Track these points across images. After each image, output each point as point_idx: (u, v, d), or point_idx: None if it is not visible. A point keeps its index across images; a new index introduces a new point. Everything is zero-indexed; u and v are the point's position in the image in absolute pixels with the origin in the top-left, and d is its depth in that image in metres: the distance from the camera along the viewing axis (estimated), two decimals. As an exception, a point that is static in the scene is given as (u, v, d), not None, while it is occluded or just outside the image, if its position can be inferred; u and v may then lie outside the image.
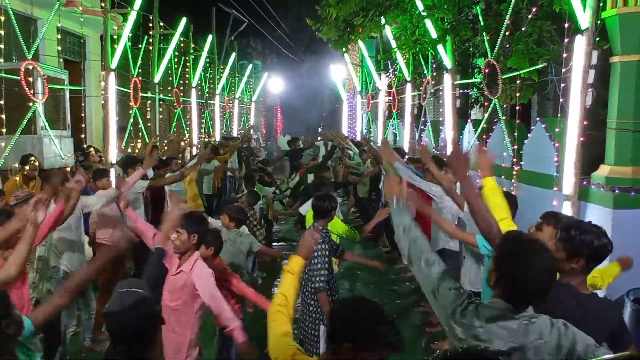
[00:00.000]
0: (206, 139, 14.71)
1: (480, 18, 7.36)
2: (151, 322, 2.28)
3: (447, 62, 8.21)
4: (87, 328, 5.25)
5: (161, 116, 12.44)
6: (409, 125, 11.01)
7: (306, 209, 6.27)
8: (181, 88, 13.27)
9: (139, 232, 4.04)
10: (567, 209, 4.88)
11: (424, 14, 7.96)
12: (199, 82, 14.58)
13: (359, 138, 16.31)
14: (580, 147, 4.89)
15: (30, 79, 7.00)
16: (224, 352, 4.26)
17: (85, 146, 9.25)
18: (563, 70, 5.23)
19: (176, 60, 13.02)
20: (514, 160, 6.37)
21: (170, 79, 12.83)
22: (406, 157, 9.66)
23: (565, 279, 2.54)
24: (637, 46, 4.56)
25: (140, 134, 10.77)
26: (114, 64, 7.79)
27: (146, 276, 3.03)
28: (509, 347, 2.00)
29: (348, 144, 11.24)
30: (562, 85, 5.22)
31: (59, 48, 9.14)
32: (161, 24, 10.93)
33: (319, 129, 27.65)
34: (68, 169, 7.49)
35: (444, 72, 8.48)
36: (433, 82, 9.69)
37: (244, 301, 4.74)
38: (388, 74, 13.39)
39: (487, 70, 7.08)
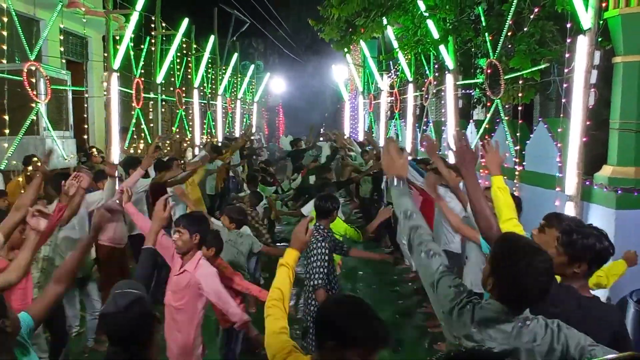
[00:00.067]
0: (207, 139, 14.70)
1: (483, 18, 7.35)
2: (146, 322, 2.27)
3: (449, 62, 8.20)
4: (91, 329, 5.26)
5: (164, 117, 12.45)
6: (411, 125, 11.01)
7: (308, 209, 6.27)
8: (183, 89, 13.29)
9: (140, 228, 4.06)
10: (569, 210, 4.88)
11: (426, 14, 7.96)
12: (201, 82, 14.59)
13: (361, 138, 16.30)
14: (583, 148, 4.88)
15: (33, 80, 7.01)
16: (228, 350, 4.28)
17: (87, 147, 9.27)
18: (565, 70, 5.22)
19: (178, 60, 13.03)
20: (517, 160, 6.36)
21: (173, 79, 12.85)
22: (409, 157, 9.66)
23: (566, 283, 2.52)
24: (640, 46, 4.55)
25: (143, 134, 10.79)
26: (116, 64, 7.80)
27: (136, 276, 3.04)
28: (502, 349, 1.98)
29: (351, 144, 11.24)
30: (565, 85, 5.22)
31: (62, 49, 9.16)
32: (163, 24, 10.95)
33: (321, 130, 27.66)
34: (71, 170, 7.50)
35: (446, 72, 8.47)
36: (435, 83, 9.68)
37: (247, 301, 4.76)
38: (390, 74, 13.39)
39: (489, 71, 7.08)
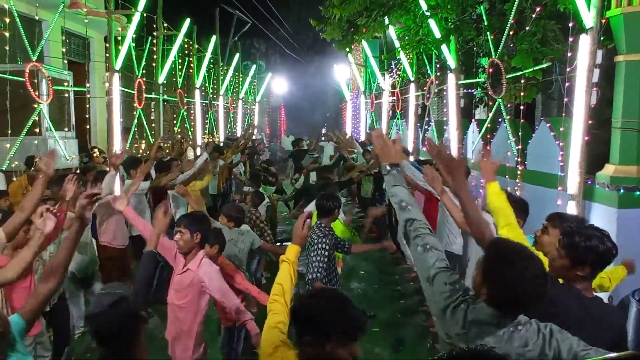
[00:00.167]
0: (208, 139, 14.72)
1: (484, 18, 7.34)
2: (131, 322, 2.27)
3: (451, 61, 8.19)
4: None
5: (165, 117, 12.47)
6: (412, 125, 11.00)
7: (311, 209, 6.28)
8: (185, 89, 13.30)
9: (139, 232, 4.06)
10: (571, 209, 4.87)
11: (428, 13, 7.95)
12: (203, 82, 14.61)
13: (363, 138, 16.30)
14: (585, 147, 4.87)
15: (35, 81, 7.03)
16: (230, 349, 4.29)
17: (89, 147, 9.29)
18: (567, 69, 5.21)
19: (180, 61, 13.05)
20: (519, 159, 6.35)
21: (174, 79, 12.86)
22: (411, 157, 9.66)
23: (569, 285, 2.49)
24: (642, 45, 4.54)
25: (145, 134, 10.80)
26: (118, 65, 7.81)
27: (137, 278, 3.05)
28: None
29: (352, 144, 11.22)
30: (567, 84, 5.21)
31: (64, 50, 9.19)
32: (165, 25, 10.95)
33: (323, 129, 27.64)
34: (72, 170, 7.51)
35: (448, 71, 8.46)
36: (437, 82, 9.67)
37: (249, 301, 4.76)
38: (392, 74, 13.38)
39: (491, 70, 7.06)
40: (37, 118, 7.25)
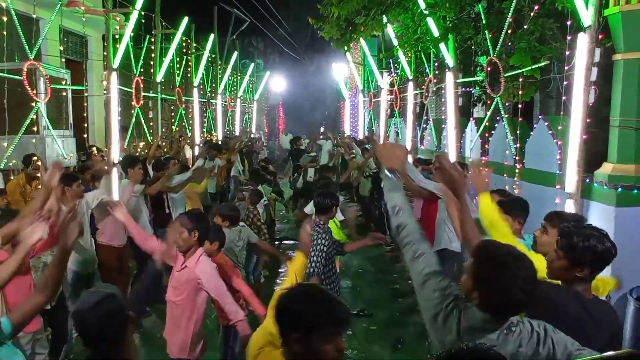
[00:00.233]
0: (205, 137, 14.71)
1: (482, 16, 7.34)
2: (116, 320, 2.25)
3: (449, 60, 8.19)
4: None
5: (163, 116, 12.45)
6: (411, 123, 11.01)
7: (310, 208, 6.29)
8: (183, 87, 13.28)
9: (137, 243, 4.09)
10: (570, 207, 4.87)
11: (426, 12, 7.95)
12: (201, 81, 14.58)
13: (361, 137, 16.30)
14: (583, 145, 4.87)
15: (33, 79, 7.01)
16: (227, 348, 4.29)
17: (87, 146, 9.27)
18: (565, 68, 5.22)
19: (178, 59, 13.02)
20: (517, 158, 6.36)
21: (172, 78, 12.84)
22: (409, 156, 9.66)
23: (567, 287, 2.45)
24: (640, 43, 4.54)
25: (143, 133, 10.79)
26: (116, 63, 7.78)
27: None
28: None
29: (351, 147, 11.20)
30: (565, 83, 5.21)
31: (61, 48, 9.16)
32: (163, 23, 10.94)
33: (321, 128, 27.63)
34: (70, 169, 7.50)
35: (446, 70, 8.46)
36: (435, 81, 9.67)
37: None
38: (390, 72, 13.38)
39: (489, 69, 7.07)
40: (34, 117, 7.23)
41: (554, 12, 6.35)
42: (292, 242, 10.03)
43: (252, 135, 19.12)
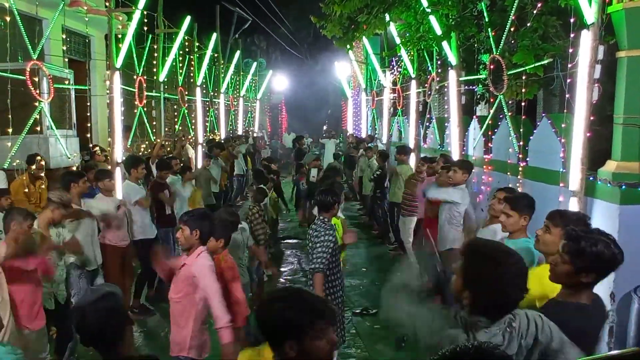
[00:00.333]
0: (207, 137, 14.74)
1: (485, 14, 7.32)
2: (114, 318, 2.25)
3: (452, 58, 8.17)
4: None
5: (166, 115, 12.46)
6: (414, 122, 10.98)
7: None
8: (186, 87, 13.29)
9: None
10: (573, 205, 4.86)
11: (429, 10, 7.93)
12: (204, 80, 14.59)
13: (364, 136, 16.30)
14: (587, 143, 4.85)
15: (36, 79, 7.03)
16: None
17: (91, 145, 9.29)
18: (569, 65, 5.19)
19: (181, 59, 13.03)
20: (520, 156, 6.34)
21: (175, 77, 12.85)
22: (411, 154, 9.65)
23: (569, 297, 2.36)
24: (644, 41, 4.52)
25: (146, 133, 10.81)
26: (118, 63, 7.80)
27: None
28: None
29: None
30: (568, 80, 5.19)
31: (64, 48, 9.18)
32: (165, 22, 10.94)
33: (324, 127, 27.63)
34: (74, 168, 7.52)
35: (449, 68, 8.44)
36: (438, 79, 9.65)
37: (249, 299, 4.77)
38: (393, 71, 13.36)
39: (492, 67, 7.04)
40: (38, 116, 7.25)
41: (557, 10, 6.33)
42: (294, 240, 10.05)
43: (255, 135, 19.14)
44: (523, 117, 6.49)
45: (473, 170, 6.23)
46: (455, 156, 7.81)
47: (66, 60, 10.00)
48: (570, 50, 5.09)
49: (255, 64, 24.27)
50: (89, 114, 9.15)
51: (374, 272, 8.05)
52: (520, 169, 6.24)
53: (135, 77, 9.62)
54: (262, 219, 6.47)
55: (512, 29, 6.63)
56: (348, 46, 11.78)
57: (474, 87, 8.93)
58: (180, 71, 13.00)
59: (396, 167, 8.88)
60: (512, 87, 7.09)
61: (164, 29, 10.83)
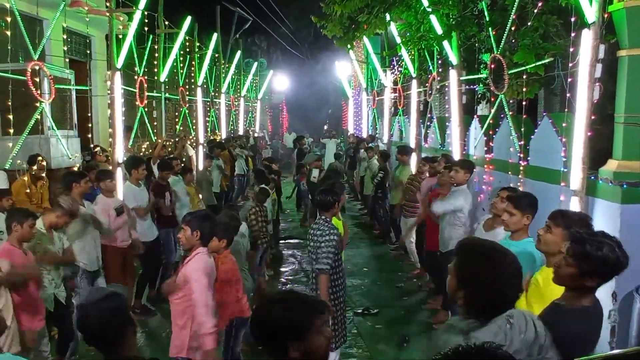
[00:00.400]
0: (208, 136, 14.74)
1: (486, 13, 7.31)
2: (117, 318, 2.25)
3: (453, 58, 8.17)
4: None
5: (167, 115, 12.47)
6: (414, 121, 10.98)
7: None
8: (187, 87, 13.30)
9: None
10: (574, 205, 4.85)
11: (429, 10, 7.92)
12: (205, 80, 14.59)
13: (365, 135, 16.29)
14: (588, 142, 4.85)
15: (37, 80, 7.03)
16: (228, 349, 4.30)
17: (92, 146, 9.30)
18: (570, 64, 5.19)
19: (181, 59, 13.03)
20: (521, 155, 6.34)
21: (176, 77, 12.85)
22: (412, 154, 9.65)
23: (572, 300, 2.34)
24: (645, 40, 4.51)
25: (147, 133, 10.81)
26: (119, 63, 7.80)
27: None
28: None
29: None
30: (569, 79, 5.18)
31: (65, 48, 9.18)
32: (166, 23, 10.93)
33: (325, 127, 27.63)
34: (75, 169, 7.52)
35: (450, 68, 8.43)
36: (439, 78, 9.65)
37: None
38: (393, 70, 13.35)
39: (493, 66, 7.03)
40: (39, 117, 7.25)
41: (557, 9, 6.32)
42: (296, 240, 10.05)
43: (256, 135, 19.13)
44: (524, 116, 6.49)
45: (474, 170, 6.22)
46: (457, 156, 7.81)
47: (67, 60, 10.00)
48: (571, 49, 5.08)
49: (256, 64, 24.28)
50: (90, 114, 9.16)
51: (375, 272, 8.05)
52: (521, 168, 6.24)
53: (136, 77, 9.62)
54: (264, 220, 6.47)
55: (512, 28, 6.62)
56: (349, 46, 11.79)
57: (474, 87, 8.92)
58: (181, 71, 13.00)
59: (395, 174, 8.99)
60: (513, 87, 7.08)
61: (164, 29, 10.83)
